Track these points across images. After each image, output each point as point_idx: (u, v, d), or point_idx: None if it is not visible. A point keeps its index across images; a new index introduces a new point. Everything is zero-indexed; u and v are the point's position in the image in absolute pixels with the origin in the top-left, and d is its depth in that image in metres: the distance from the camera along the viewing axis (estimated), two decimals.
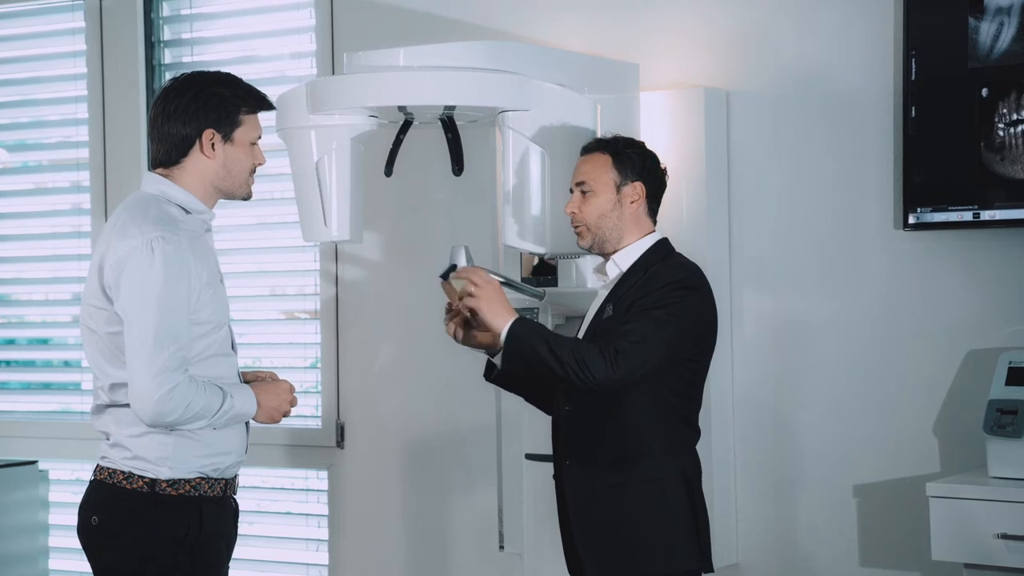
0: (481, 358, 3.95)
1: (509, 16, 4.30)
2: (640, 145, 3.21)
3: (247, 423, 3.05)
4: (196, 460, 2.93)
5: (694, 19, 4.04)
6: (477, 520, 4.33)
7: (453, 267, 3.21)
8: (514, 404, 3.87)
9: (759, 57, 3.96)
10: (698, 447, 3.17)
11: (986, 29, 3.58)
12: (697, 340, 3.10)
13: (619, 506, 3.06)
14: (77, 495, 5.18)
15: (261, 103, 3.04)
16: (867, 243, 3.82)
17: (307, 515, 4.77)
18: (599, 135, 3.42)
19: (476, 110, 3.48)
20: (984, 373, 3.59)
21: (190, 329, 2.88)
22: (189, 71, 3.05)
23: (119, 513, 2.94)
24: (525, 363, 3.02)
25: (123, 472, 2.92)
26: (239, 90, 3.00)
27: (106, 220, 5.00)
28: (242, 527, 3.15)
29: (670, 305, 3.01)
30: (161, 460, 2.90)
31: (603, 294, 3.19)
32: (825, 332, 3.87)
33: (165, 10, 5.02)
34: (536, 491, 3.72)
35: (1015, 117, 3.54)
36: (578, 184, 3.18)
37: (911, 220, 3.68)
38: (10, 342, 5.46)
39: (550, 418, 3.27)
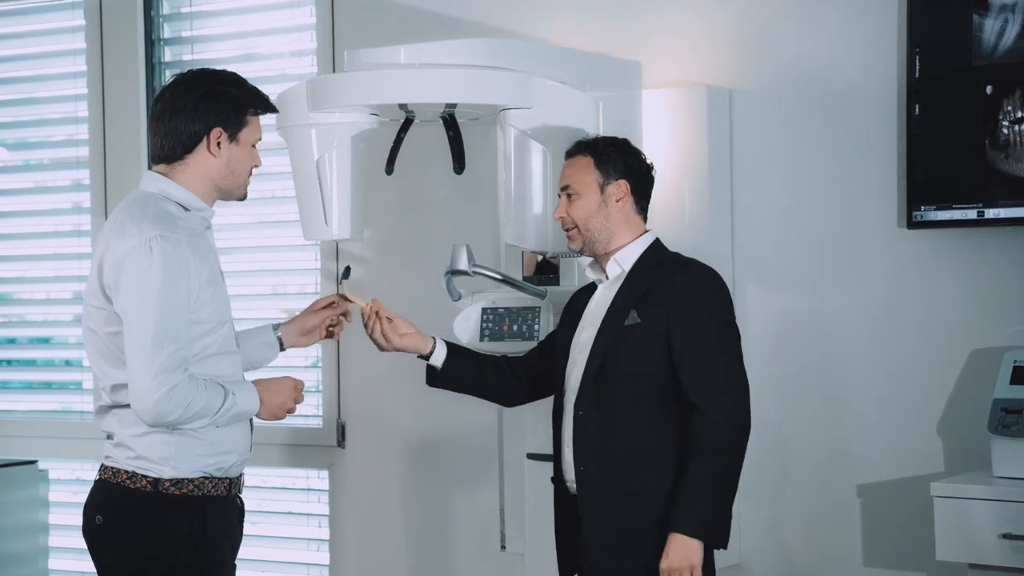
0: None
1: (510, 13, 4.29)
2: (622, 143, 3.21)
3: (251, 421, 3.05)
4: (199, 459, 2.92)
5: (696, 17, 4.03)
6: (479, 520, 4.32)
7: (348, 270, 3.25)
8: None
9: (762, 55, 3.95)
10: None
11: (990, 26, 3.57)
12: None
13: (637, 510, 3.05)
14: (77, 495, 5.22)
15: (267, 106, 3.05)
16: (870, 242, 3.81)
17: (308, 515, 4.76)
18: (600, 134, 3.41)
19: (477, 108, 3.47)
20: (988, 372, 3.58)
21: (190, 328, 2.87)
22: (194, 68, 3.05)
23: (123, 512, 2.93)
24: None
25: (127, 472, 2.92)
26: (248, 91, 3.01)
27: (106, 219, 5.01)
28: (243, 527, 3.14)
29: (724, 336, 3.10)
30: (164, 459, 2.90)
31: (607, 294, 3.18)
32: (828, 331, 3.86)
33: (165, 8, 5.01)
34: (538, 491, 3.71)
35: (1020, 115, 3.53)
36: (563, 188, 3.20)
37: (915, 218, 3.67)
38: (11, 341, 5.45)
39: (551, 418, 3.25)
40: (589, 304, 3.22)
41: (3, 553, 4.89)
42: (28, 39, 5.32)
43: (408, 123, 3.53)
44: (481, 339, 3.66)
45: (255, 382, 3.01)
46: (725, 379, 3.04)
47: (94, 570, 5.27)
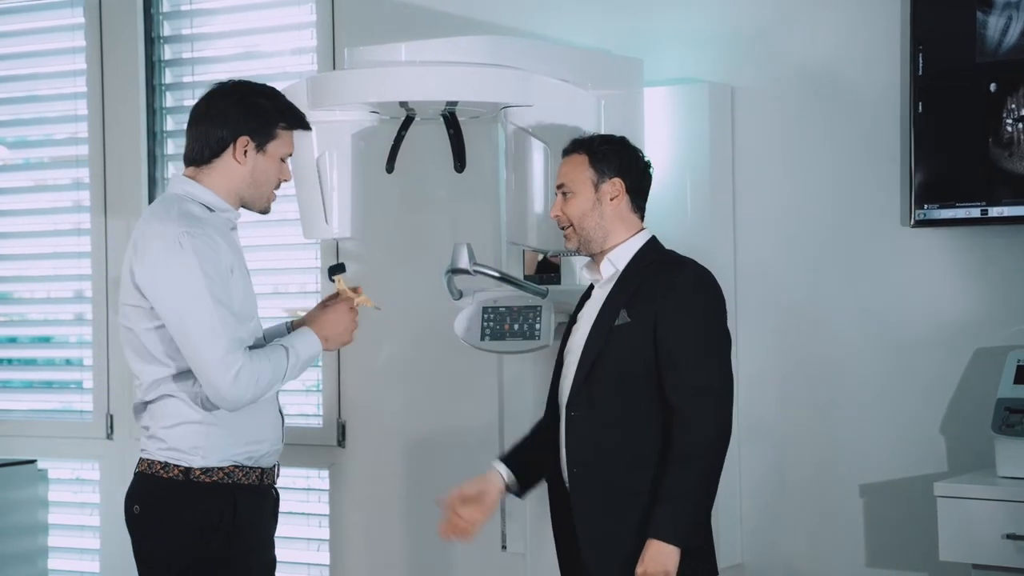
0: (484, 357, 3.93)
1: (511, 11, 4.28)
2: (618, 141, 3.19)
3: (282, 415, 3.13)
4: (229, 448, 3.00)
5: (698, 14, 4.02)
6: None
7: (341, 266, 3.23)
8: (517, 403, 3.85)
9: (764, 52, 3.94)
10: None
11: (994, 23, 3.55)
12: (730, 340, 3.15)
13: (629, 511, 3.03)
14: (77, 494, 5.21)
15: (299, 122, 3.10)
16: (873, 240, 3.79)
17: (308, 514, 4.75)
18: (601, 132, 3.40)
19: (478, 106, 3.46)
20: (992, 371, 3.56)
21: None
22: (236, 79, 3.13)
23: (156, 501, 3.01)
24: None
25: (160, 462, 3.00)
26: (280, 104, 3.07)
27: (106, 217, 5.02)
28: None
29: (711, 338, 3.05)
30: (194, 449, 2.98)
31: (600, 294, 3.16)
32: (831, 330, 3.85)
33: (165, 6, 5.00)
34: (539, 491, 3.69)
35: (1023, 112, 3.51)
36: (559, 187, 3.19)
37: (918, 216, 3.66)
38: (12, 340, 5.43)
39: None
40: (585, 305, 3.21)
41: (2, 553, 4.88)
42: (28, 37, 5.32)
43: (409, 121, 3.53)
44: (482, 338, 3.65)
45: (309, 323, 3.10)
46: (708, 383, 3.01)
47: (93, 570, 5.28)
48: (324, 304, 3.21)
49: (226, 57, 4.93)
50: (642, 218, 3.20)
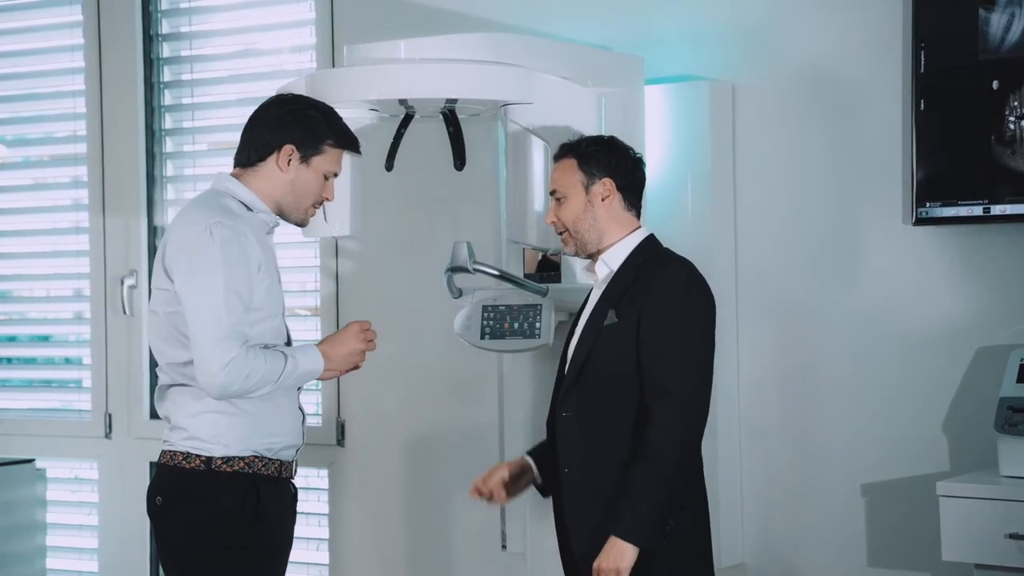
0: (484, 356, 3.92)
1: (511, 8, 4.27)
2: (606, 141, 3.18)
3: (302, 411, 3.14)
4: (248, 439, 3.03)
5: (699, 11, 4.01)
6: (479, 519, 4.30)
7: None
8: (517, 402, 3.84)
9: (765, 49, 3.92)
10: (704, 446, 3.13)
11: (996, 20, 3.54)
12: (713, 341, 3.11)
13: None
14: (76, 493, 5.20)
15: (350, 143, 3.15)
16: (875, 238, 3.78)
17: (307, 514, 4.74)
18: (601, 133, 3.39)
19: (478, 103, 3.45)
20: (995, 370, 3.55)
21: (247, 313, 2.99)
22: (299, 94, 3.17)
23: (179, 492, 3.04)
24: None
25: (182, 453, 3.03)
26: (333, 122, 3.11)
27: (104, 215, 5.01)
28: None
29: (690, 338, 3.02)
30: (215, 438, 3.01)
31: (596, 294, 3.16)
32: (832, 328, 3.83)
33: (163, 3, 4.98)
34: (536, 491, 3.68)
35: None
36: (552, 193, 3.18)
37: (920, 215, 3.64)
38: (11, 339, 5.42)
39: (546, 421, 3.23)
40: (585, 306, 3.20)
41: (0, 552, 4.87)
42: (26, 35, 5.31)
43: (408, 119, 3.52)
44: (482, 337, 3.64)
45: (319, 342, 3.12)
46: (677, 384, 2.98)
47: (91, 569, 5.26)
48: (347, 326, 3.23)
49: (225, 55, 4.91)
50: (638, 215, 3.19)
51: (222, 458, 3.01)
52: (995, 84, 3.53)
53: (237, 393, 2.97)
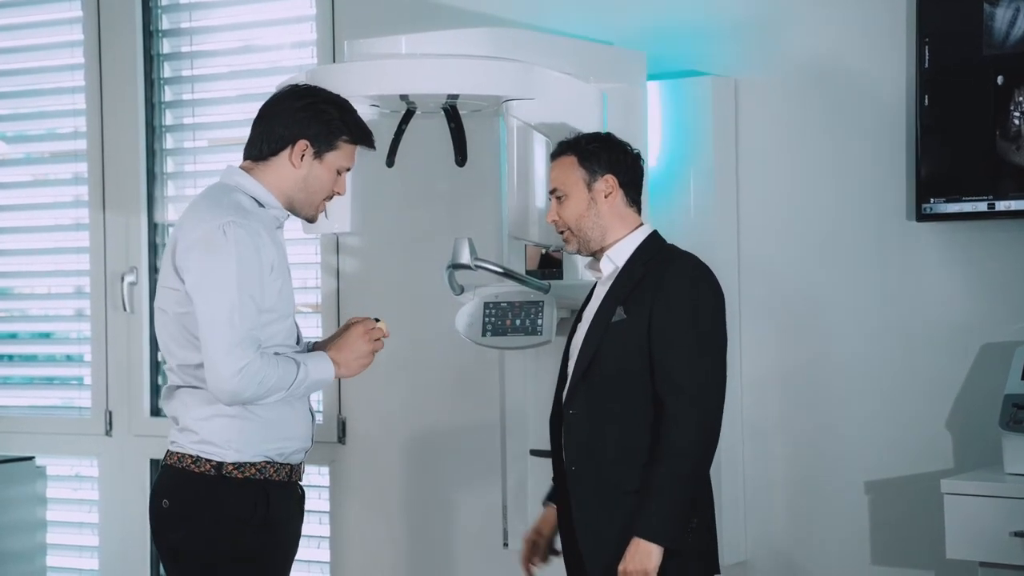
0: (485, 353, 3.91)
1: (512, 3, 4.26)
2: (604, 138, 3.17)
3: (312, 413, 3.11)
4: (261, 444, 2.98)
5: (701, 6, 4.00)
6: (481, 517, 4.29)
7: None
8: (519, 399, 3.83)
9: (768, 45, 3.91)
10: None
11: (1001, 15, 3.52)
12: (724, 334, 3.10)
13: (621, 509, 3.01)
14: (76, 491, 5.19)
15: (365, 138, 3.08)
16: (879, 234, 3.77)
17: (308, 511, 4.70)
18: (604, 126, 3.38)
19: (479, 99, 3.44)
20: (999, 367, 3.54)
21: (260, 315, 2.94)
22: (311, 85, 3.09)
23: (188, 496, 2.99)
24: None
25: (191, 456, 2.98)
26: (348, 117, 3.05)
27: (104, 212, 5.00)
28: None
29: (703, 336, 3.01)
30: (227, 443, 2.96)
31: (601, 291, 3.14)
32: (836, 325, 3.82)
33: None
34: (541, 488, 3.67)
35: None
36: (552, 192, 3.16)
37: (924, 211, 3.63)
38: (12, 336, 5.42)
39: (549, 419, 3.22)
40: (588, 302, 3.18)
41: (1, 550, 4.87)
42: (25, 31, 5.29)
43: (409, 114, 3.51)
44: (484, 334, 3.63)
45: (327, 347, 3.07)
46: (697, 381, 2.98)
47: (92, 567, 5.24)
48: (347, 325, 3.18)
49: (225, 51, 4.90)
50: (639, 211, 3.17)
51: (234, 464, 2.96)
52: (1000, 79, 3.51)
53: (248, 400, 2.91)
